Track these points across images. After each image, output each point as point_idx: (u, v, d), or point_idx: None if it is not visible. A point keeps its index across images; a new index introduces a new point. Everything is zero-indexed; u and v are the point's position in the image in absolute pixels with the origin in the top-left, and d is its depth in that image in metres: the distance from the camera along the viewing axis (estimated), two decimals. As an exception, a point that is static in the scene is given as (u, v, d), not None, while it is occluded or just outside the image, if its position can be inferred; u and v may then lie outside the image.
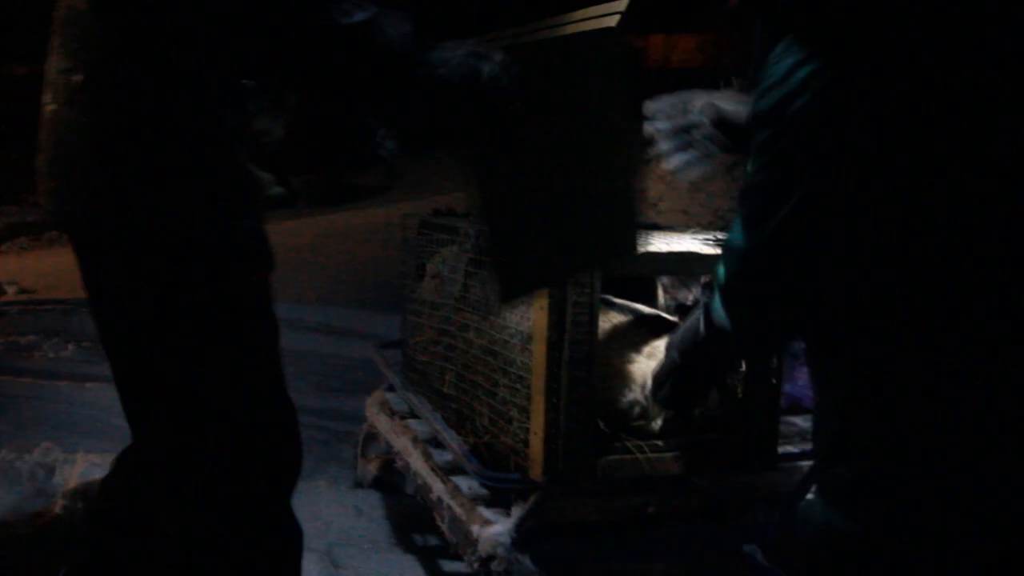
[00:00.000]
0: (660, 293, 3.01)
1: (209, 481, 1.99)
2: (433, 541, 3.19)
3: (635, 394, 2.45)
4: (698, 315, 2.09)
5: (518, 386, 2.44)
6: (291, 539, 2.10)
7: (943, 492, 1.76)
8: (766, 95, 1.70)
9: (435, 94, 1.76)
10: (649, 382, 2.40)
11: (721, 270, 1.88)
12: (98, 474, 3.52)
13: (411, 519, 3.35)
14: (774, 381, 2.56)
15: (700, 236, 2.76)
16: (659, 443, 2.44)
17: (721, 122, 2.26)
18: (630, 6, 2.00)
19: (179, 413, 1.98)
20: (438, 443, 2.85)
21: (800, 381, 3.07)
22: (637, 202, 2.21)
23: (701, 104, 2.28)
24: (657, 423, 2.45)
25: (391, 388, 3.40)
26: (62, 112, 1.88)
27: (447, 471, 2.70)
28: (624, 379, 2.48)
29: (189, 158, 1.85)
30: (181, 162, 1.84)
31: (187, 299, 1.90)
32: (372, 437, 3.50)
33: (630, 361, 2.49)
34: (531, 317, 2.37)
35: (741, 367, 2.52)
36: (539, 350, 2.31)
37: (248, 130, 1.94)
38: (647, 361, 2.46)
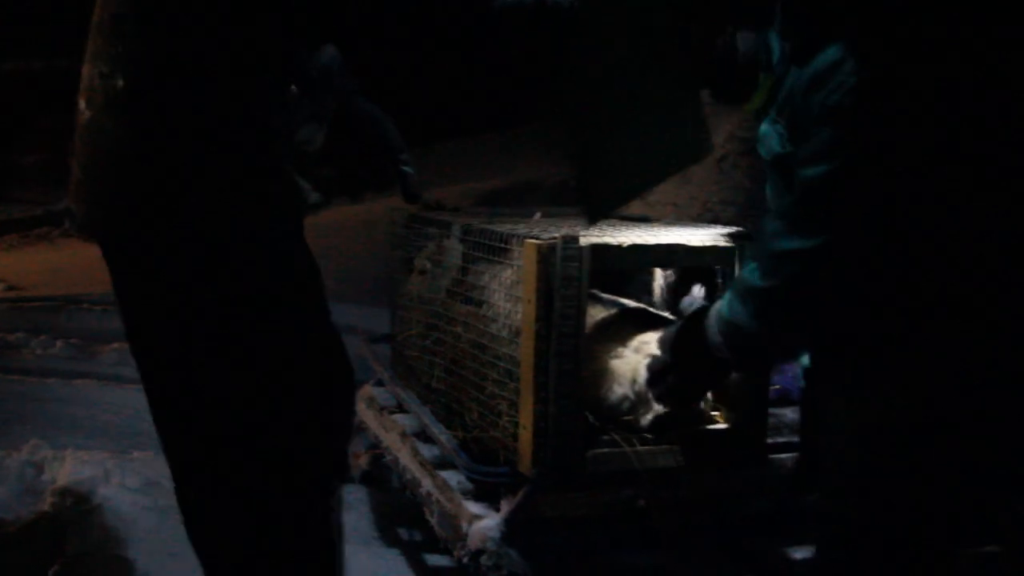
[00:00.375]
0: (656, 288, 3.00)
1: (222, 491, 1.97)
2: (422, 536, 3.18)
3: (624, 389, 2.44)
4: (700, 317, 2.04)
5: (507, 380, 2.43)
6: (317, 553, 2.06)
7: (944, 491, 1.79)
8: (841, 93, 1.67)
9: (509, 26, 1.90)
10: (640, 378, 2.39)
11: (759, 274, 1.82)
12: (87, 472, 3.52)
13: (400, 514, 3.34)
14: (763, 374, 2.55)
15: (689, 228, 2.75)
16: (648, 436, 2.43)
17: None
18: None
19: (198, 420, 1.96)
20: (427, 438, 2.84)
21: (789, 373, 3.05)
22: (699, 99, 2.25)
23: None
24: (647, 419, 2.45)
25: (380, 383, 3.39)
26: (99, 118, 1.85)
27: (436, 465, 2.69)
28: (613, 374, 2.47)
29: (232, 169, 1.82)
30: (223, 173, 1.82)
31: (219, 309, 1.88)
32: (361, 432, 3.49)
33: (618, 356, 2.48)
34: (519, 310, 2.36)
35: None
36: (527, 343, 2.30)
37: (292, 138, 1.93)
38: (634, 356, 2.45)
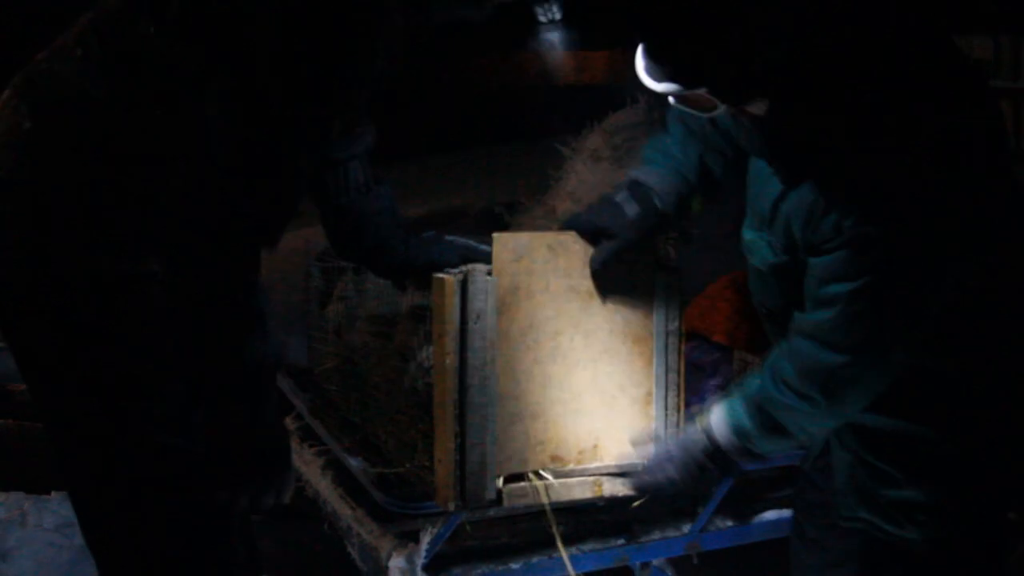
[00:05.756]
0: None
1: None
2: (345, 569, 3.16)
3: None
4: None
5: (422, 412, 2.43)
6: None
7: None
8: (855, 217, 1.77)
9: None
10: None
11: (795, 394, 1.92)
12: (2, 514, 3.45)
13: (322, 547, 3.31)
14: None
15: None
16: (563, 468, 2.44)
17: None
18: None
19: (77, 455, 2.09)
20: (346, 471, 2.83)
21: (707, 395, 3.09)
22: None
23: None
24: None
25: (300, 416, 3.37)
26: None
27: (355, 499, 2.69)
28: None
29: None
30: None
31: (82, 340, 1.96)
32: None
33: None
34: (433, 344, 2.37)
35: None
36: (439, 378, 2.30)
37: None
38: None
